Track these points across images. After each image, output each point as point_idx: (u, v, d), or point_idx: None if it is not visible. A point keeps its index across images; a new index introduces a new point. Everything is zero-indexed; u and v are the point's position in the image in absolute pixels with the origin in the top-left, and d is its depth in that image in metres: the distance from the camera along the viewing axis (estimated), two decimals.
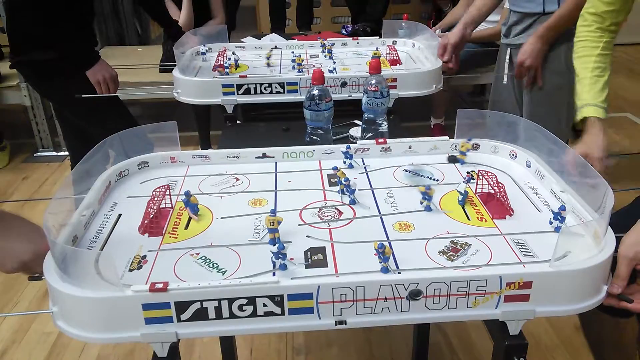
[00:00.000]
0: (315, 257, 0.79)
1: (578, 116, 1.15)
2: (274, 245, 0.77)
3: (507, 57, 1.74)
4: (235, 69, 1.61)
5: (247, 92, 1.47)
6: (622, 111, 3.25)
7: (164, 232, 0.87)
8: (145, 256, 0.81)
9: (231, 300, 0.70)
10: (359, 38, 1.88)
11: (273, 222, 0.80)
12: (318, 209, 0.92)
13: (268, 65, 1.63)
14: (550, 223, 0.86)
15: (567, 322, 1.76)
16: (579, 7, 1.45)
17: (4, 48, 3.14)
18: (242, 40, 2.40)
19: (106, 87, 1.80)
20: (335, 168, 0.98)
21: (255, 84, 1.46)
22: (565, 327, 1.75)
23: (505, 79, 1.73)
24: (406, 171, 1.06)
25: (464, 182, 0.92)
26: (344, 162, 1.09)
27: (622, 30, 1.19)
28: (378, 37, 1.89)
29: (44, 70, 1.75)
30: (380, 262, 0.74)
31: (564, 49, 1.57)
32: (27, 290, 1.99)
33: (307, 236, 0.84)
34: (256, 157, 1.10)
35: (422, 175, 1.04)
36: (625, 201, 1.13)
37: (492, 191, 0.93)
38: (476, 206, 0.93)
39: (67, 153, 2.88)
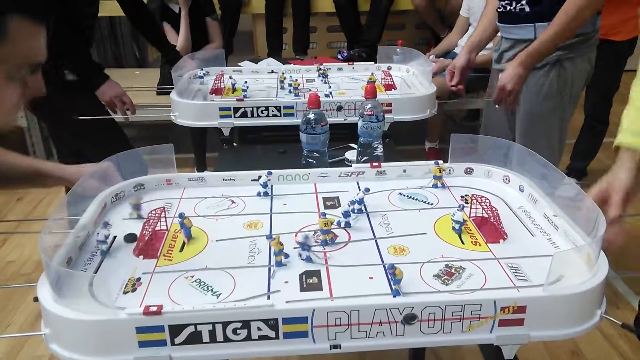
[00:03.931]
0: (310, 281, 0.79)
1: (614, 144, 0.95)
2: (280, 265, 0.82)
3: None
4: (232, 93, 1.63)
5: (244, 115, 1.48)
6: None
7: (158, 255, 0.87)
8: (139, 278, 0.80)
9: (225, 324, 0.69)
10: (355, 63, 1.91)
11: (281, 244, 0.82)
12: (313, 232, 0.93)
13: (282, 87, 1.65)
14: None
15: (562, 346, 1.75)
16: (559, 34, 1.48)
17: None
18: (239, 64, 2.43)
19: (120, 105, 1.81)
20: (323, 215, 0.90)
21: (252, 107, 1.47)
22: (560, 352, 1.74)
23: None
24: (401, 195, 1.07)
25: (458, 210, 0.92)
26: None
27: None
28: (373, 63, 1.91)
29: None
30: (395, 286, 0.75)
31: (555, 73, 1.60)
32: (19, 312, 1.96)
33: (302, 259, 0.85)
34: (252, 180, 1.11)
35: (416, 199, 1.05)
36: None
37: (486, 215, 0.94)
38: (470, 230, 0.93)
39: None
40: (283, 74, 1.73)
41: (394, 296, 0.74)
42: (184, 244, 0.90)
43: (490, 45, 2.51)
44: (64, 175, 1.08)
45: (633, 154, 0.90)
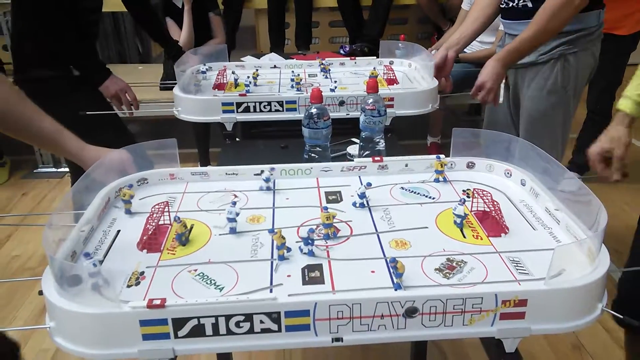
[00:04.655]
0: (313, 274, 0.80)
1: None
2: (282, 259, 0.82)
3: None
4: (235, 88, 1.63)
5: (247, 110, 1.48)
6: None
7: (162, 249, 0.88)
8: (143, 272, 0.81)
9: (228, 317, 0.70)
10: (357, 58, 1.91)
11: (283, 238, 0.83)
12: (315, 226, 0.93)
13: (255, 84, 1.64)
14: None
15: (564, 340, 1.76)
16: (538, 33, 1.46)
17: (6, 65, 3.16)
18: (242, 59, 2.43)
19: (126, 99, 1.81)
20: (325, 209, 0.92)
21: (255, 102, 1.47)
22: (562, 345, 1.75)
23: (500, 99, 1.74)
24: (403, 189, 1.07)
25: (460, 204, 0.92)
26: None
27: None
28: (375, 57, 1.91)
29: (48, 88, 1.76)
30: (396, 280, 0.75)
31: (559, 68, 1.59)
32: (24, 306, 1.98)
33: (304, 253, 0.85)
34: (254, 174, 1.11)
35: (418, 193, 1.05)
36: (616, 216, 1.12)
37: (488, 209, 0.94)
38: (472, 224, 0.93)
39: (67, 169, 2.89)
40: (257, 70, 1.72)
41: (396, 289, 0.75)
42: (187, 238, 0.91)
43: (493, 40, 2.51)
44: (82, 159, 1.06)
45: (626, 117, 1.12)
